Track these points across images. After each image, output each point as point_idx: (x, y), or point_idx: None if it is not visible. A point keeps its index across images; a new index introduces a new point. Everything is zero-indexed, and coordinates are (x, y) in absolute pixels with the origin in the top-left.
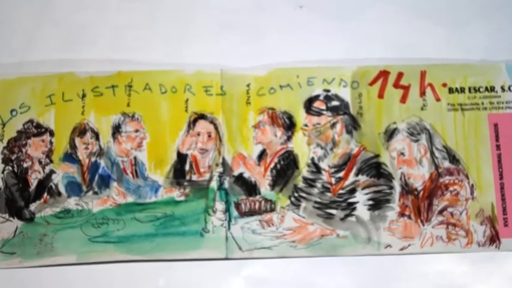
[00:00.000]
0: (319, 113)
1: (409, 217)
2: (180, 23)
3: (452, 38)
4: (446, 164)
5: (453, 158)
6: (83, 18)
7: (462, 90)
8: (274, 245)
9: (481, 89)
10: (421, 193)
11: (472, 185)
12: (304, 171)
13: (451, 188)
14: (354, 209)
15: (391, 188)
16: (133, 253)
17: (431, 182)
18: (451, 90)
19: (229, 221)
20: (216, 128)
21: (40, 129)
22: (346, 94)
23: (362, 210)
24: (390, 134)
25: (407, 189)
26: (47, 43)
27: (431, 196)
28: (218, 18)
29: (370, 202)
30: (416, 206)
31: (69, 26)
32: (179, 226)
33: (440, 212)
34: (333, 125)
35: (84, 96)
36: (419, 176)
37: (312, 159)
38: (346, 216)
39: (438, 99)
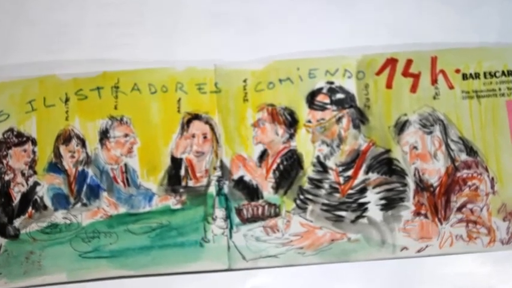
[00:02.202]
0: (323, 108)
1: (426, 216)
2: (168, 16)
3: (465, 20)
4: (463, 156)
5: (470, 150)
6: (63, 16)
7: (477, 75)
8: (281, 252)
9: (498, 74)
10: (438, 189)
11: (492, 178)
12: (309, 171)
13: (469, 183)
14: (365, 209)
15: (405, 185)
16: (128, 268)
17: (447, 176)
18: (465, 77)
19: (231, 228)
20: (212, 128)
21: (21, 138)
22: (351, 86)
23: (374, 211)
24: (401, 126)
25: (422, 186)
26: (24, 44)
27: (449, 192)
28: (209, 9)
29: (383, 202)
30: (432, 204)
31: (49, 24)
32: (177, 237)
33: (459, 209)
34: (339, 120)
35: (67, 100)
36: (435, 170)
37: (318, 157)
38: (357, 218)
39: (451, 87)
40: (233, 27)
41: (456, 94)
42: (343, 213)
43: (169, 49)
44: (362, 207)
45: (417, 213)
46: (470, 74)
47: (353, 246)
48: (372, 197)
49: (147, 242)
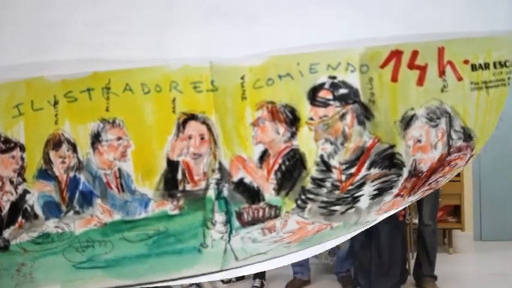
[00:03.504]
0: (325, 104)
1: (401, 196)
2: (161, 11)
3: (472, 8)
4: (460, 143)
5: (468, 136)
6: (49, 15)
7: (486, 66)
8: (270, 249)
9: (508, 63)
10: (424, 174)
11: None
12: (312, 171)
13: (452, 163)
14: (357, 201)
15: (399, 175)
16: (125, 278)
17: (438, 162)
18: (474, 67)
19: (230, 233)
20: (209, 129)
21: (9, 145)
22: (354, 80)
23: (364, 201)
24: (408, 121)
25: (413, 173)
26: (10, 46)
27: (432, 174)
28: (204, 2)
29: (375, 192)
30: (413, 186)
31: (35, 24)
32: (175, 243)
33: (429, 183)
34: (342, 116)
35: (56, 103)
36: (429, 159)
37: (321, 156)
38: (347, 209)
39: (460, 79)
40: (229, 21)
41: (465, 86)
42: (337, 207)
43: (162, 46)
44: (355, 200)
45: (396, 195)
46: (480, 65)
47: (331, 232)
48: (367, 190)
49: (144, 250)
